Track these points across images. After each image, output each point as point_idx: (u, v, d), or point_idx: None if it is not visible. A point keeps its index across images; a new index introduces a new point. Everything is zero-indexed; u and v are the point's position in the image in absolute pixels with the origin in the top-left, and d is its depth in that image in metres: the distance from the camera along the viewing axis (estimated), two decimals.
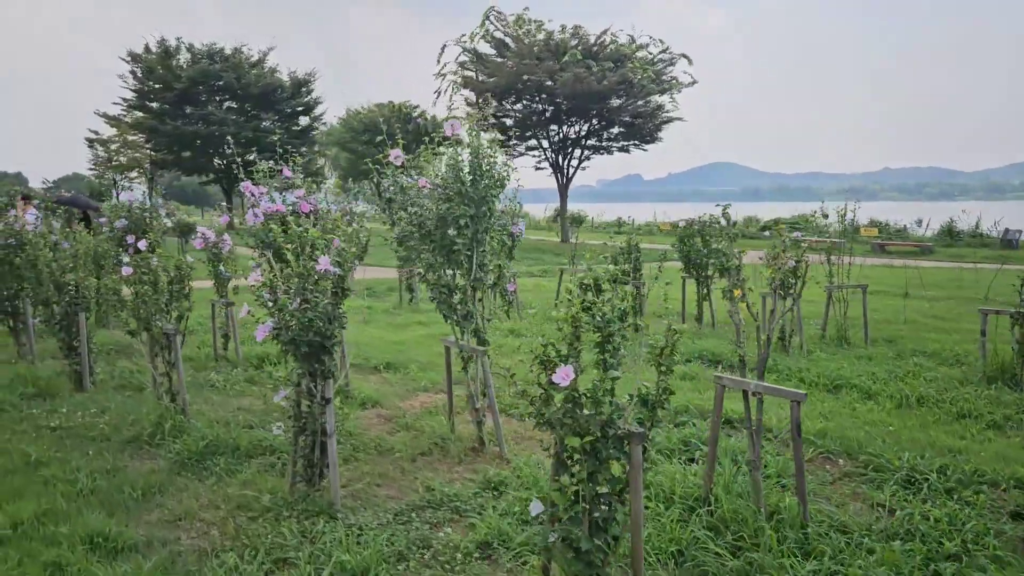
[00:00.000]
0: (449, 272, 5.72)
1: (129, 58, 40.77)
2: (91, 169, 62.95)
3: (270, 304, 4.57)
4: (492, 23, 33.74)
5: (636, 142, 35.25)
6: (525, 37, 33.25)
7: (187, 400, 6.29)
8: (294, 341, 4.50)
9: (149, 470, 5.36)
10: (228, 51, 41.74)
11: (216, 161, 42.95)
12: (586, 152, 35.84)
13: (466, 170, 5.63)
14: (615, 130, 34.71)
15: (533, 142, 36.38)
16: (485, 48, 34.58)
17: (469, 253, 5.53)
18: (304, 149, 43.52)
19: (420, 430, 6.30)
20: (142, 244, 6.50)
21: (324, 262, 4.32)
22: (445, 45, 34.63)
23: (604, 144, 35.72)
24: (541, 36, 33.08)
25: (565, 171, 35.76)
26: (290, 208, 6.93)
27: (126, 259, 6.35)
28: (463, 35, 34.50)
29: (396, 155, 6.10)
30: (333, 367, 4.68)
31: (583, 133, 35.21)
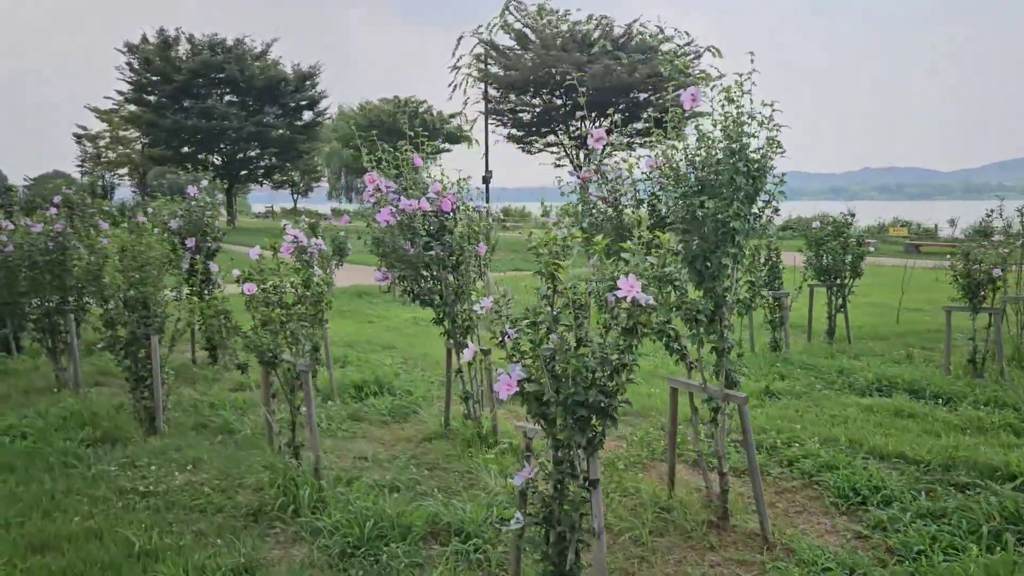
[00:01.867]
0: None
1: (126, 49, 38.88)
2: (79, 166, 60.88)
3: (524, 344, 3.13)
4: (512, 13, 32.29)
5: (659, 139, 33.82)
6: (546, 28, 31.82)
7: (320, 458, 4.81)
8: (564, 401, 3.05)
9: (301, 566, 3.89)
10: (230, 42, 39.94)
11: (217, 158, 41.13)
12: (607, 148, 34.46)
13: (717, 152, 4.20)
14: (638, 125, 33.33)
15: (551, 138, 34.96)
16: (504, 40, 33.13)
17: (733, 264, 4.10)
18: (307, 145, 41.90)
19: (622, 492, 4.86)
20: (253, 253, 5.03)
21: (631, 285, 2.87)
22: (461, 36, 33.17)
23: (626, 140, 34.33)
24: (564, 27, 31.66)
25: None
26: (433, 206, 5.50)
27: (237, 271, 4.87)
28: (480, 26, 33.07)
29: (599, 136, 4.70)
30: (606, 434, 3.24)
31: (604, 129, 33.78)
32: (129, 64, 39.02)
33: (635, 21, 31.36)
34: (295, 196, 63.10)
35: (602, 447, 3.25)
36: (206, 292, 7.97)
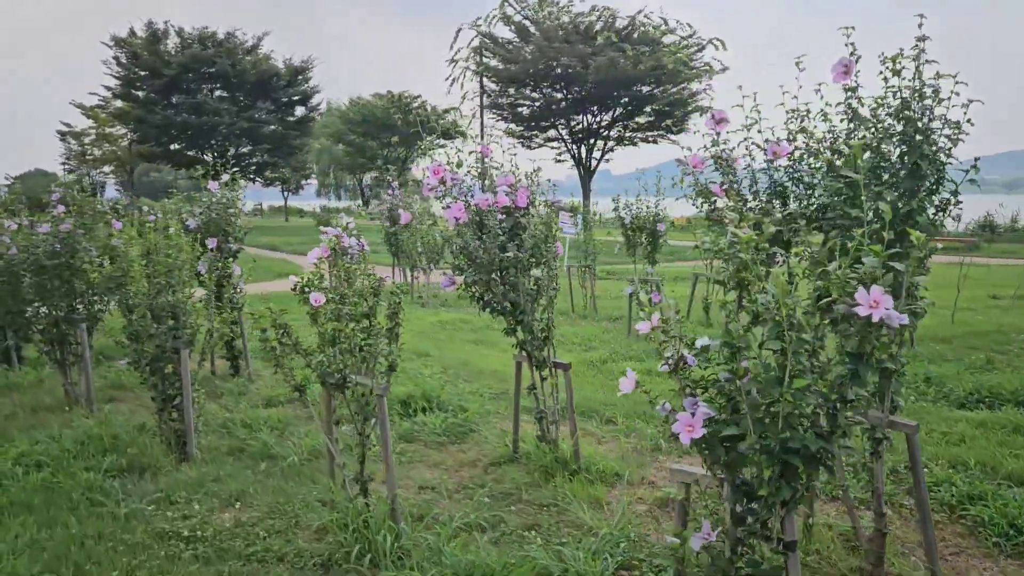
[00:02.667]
0: None
1: (113, 43, 37.79)
2: (63, 163, 59.61)
3: (699, 372, 2.47)
4: (511, 5, 31.57)
5: (662, 132, 33.30)
6: (547, 20, 31.13)
7: (397, 496, 4.13)
8: (768, 449, 2.39)
9: None
10: (221, 36, 38.94)
11: (207, 154, 40.10)
12: (609, 143, 33.81)
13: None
14: (641, 119, 32.71)
15: (552, 132, 34.28)
16: (505, 33, 32.41)
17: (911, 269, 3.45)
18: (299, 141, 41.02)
19: None
20: (313, 255, 4.34)
21: (877, 299, 2.20)
22: (460, 29, 32.45)
23: (628, 135, 33.71)
24: (566, 19, 30.99)
25: (587, 163, 33.73)
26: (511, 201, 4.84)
27: (294, 278, 4.19)
28: (478, 18, 32.32)
29: (721, 118, 4.08)
30: (815, 486, 2.58)
31: (605, 123, 33.18)
32: (116, 59, 37.95)
33: (639, 13, 30.73)
34: (285, 193, 62.05)
35: (804, 503, 2.60)
36: (233, 298, 7.25)
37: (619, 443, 5.80)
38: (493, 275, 4.95)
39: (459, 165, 5.16)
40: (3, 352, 8.33)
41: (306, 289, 4.16)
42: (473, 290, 5.07)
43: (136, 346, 5.36)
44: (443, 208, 5.03)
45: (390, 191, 15.13)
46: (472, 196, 4.92)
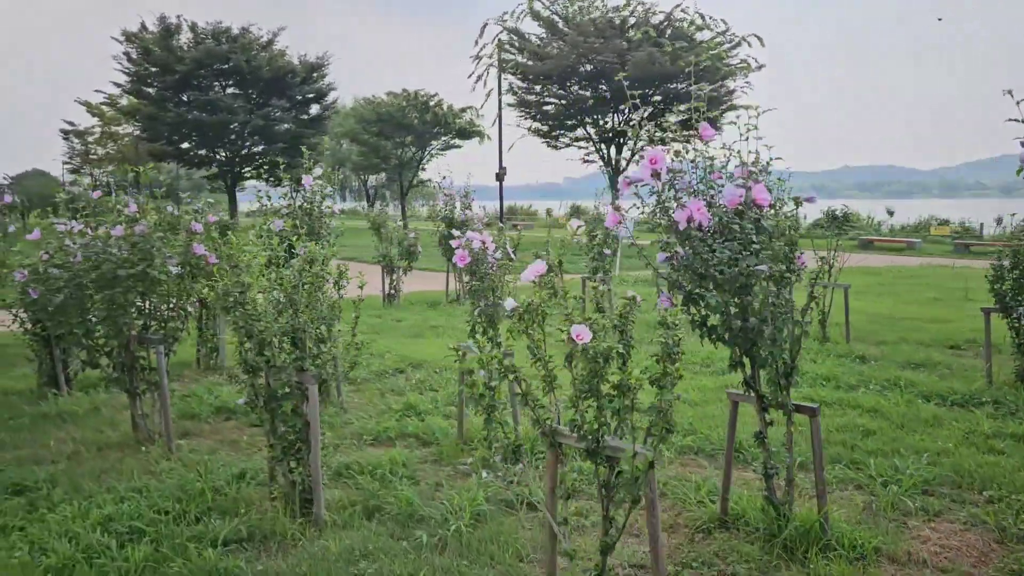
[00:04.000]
0: None
1: (123, 38, 36.52)
2: (66, 163, 58.32)
3: None
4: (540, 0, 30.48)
5: (694, 132, 32.14)
6: (578, 15, 30.05)
7: None
8: None
9: None
10: (235, 31, 37.70)
11: (220, 153, 38.80)
12: (640, 143, 32.69)
13: None
14: (673, 118, 31.58)
15: (580, 132, 33.21)
16: (533, 28, 31.34)
17: None
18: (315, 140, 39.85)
19: None
20: (531, 271, 3.25)
21: None
22: (485, 24, 31.34)
23: (659, 135, 32.59)
24: (597, 14, 29.92)
25: (616, 164, 32.65)
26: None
27: (512, 302, 3.10)
28: (504, 13, 31.23)
29: None
30: None
31: (635, 121, 32.04)
32: (127, 54, 36.68)
33: (676, 7, 29.65)
34: (294, 194, 60.75)
35: None
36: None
37: (835, 497, 4.69)
38: (731, 295, 3.86)
39: (676, 154, 4.08)
40: (50, 374, 7.22)
41: (530, 316, 3.06)
42: (695, 313, 3.97)
43: (253, 380, 4.26)
44: (657, 207, 3.94)
45: (443, 192, 14.03)
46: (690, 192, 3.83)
